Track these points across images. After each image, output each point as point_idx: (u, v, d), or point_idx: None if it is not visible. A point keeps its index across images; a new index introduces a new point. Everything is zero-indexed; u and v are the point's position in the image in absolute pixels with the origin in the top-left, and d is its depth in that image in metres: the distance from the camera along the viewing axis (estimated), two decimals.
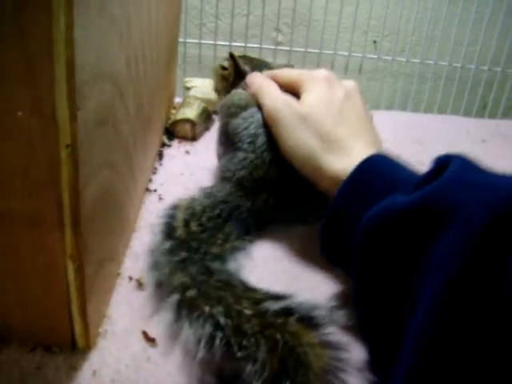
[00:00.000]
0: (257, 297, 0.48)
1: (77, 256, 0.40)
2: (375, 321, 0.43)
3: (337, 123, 0.56)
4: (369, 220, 0.43)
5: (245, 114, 0.64)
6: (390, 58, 1.23)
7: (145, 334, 0.48)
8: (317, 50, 1.22)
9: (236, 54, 0.76)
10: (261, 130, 0.61)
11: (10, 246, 0.40)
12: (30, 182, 0.36)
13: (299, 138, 0.56)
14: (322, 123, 0.56)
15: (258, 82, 0.65)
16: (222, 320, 0.45)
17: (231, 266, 0.55)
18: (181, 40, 1.12)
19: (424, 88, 1.27)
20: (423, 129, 0.99)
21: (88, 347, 0.46)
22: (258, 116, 0.62)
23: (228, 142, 0.66)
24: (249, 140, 0.61)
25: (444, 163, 0.42)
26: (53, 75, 0.33)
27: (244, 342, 0.43)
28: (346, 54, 1.23)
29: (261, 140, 0.61)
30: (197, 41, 1.21)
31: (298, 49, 1.22)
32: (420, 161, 0.86)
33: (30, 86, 0.33)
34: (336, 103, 0.57)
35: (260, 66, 0.75)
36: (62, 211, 0.38)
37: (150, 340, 0.48)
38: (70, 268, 0.40)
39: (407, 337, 0.37)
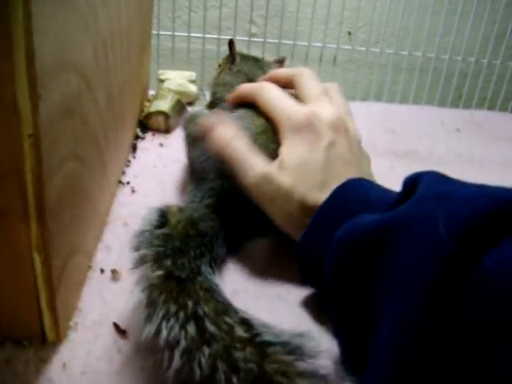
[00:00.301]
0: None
1: (43, 248, 0.39)
2: (348, 333, 0.43)
3: (322, 185, 0.53)
4: (337, 238, 0.44)
5: (200, 150, 0.62)
6: (364, 48, 1.23)
7: (116, 325, 0.48)
8: (291, 42, 1.22)
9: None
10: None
11: None
12: None
13: (285, 212, 0.54)
14: (308, 194, 0.53)
15: (232, 146, 0.57)
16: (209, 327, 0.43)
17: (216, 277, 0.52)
18: (154, 32, 1.11)
19: (399, 79, 1.28)
20: (398, 119, 1.00)
21: (58, 340, 0.46)
22: None
23: (192, 167, 0.65)
24: (211, 171, 0.60)
25: (414, 182, 0.42)
26: (12, 65, 0.32)
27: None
28: (320, 45, 1.24)
29: (222, 170, 0.58)
30: (170, 33, 1.20)
31: (272, 40, 1.22)
32: (394, 150, 0.88)
33: None
34: (320, 162, 0.54)
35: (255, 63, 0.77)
36: (26, 203, 0.37)
37: (121, 332, 0.48)
38: (37, 260, 0.40)
39: (377, 344, 0.38)
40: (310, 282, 0.53)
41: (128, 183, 0.71)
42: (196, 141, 0.63)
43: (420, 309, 0.35)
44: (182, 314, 0.44)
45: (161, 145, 0.83)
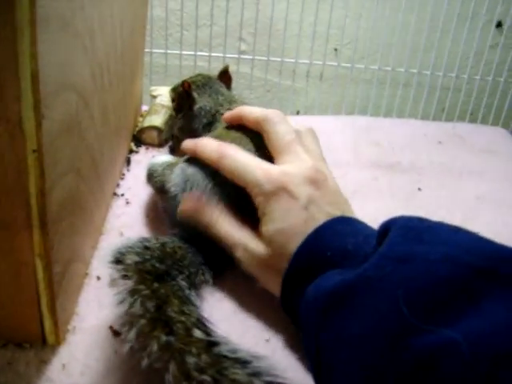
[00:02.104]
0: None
1: (45, 255, 0.42)
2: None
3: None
4: (305, 298, 0.45)
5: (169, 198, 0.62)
6: (349, 65, 1.26)
7: (112, 329, 0.51)
8: (279, 59, 1.26)
9: (189, 78, 0.77)
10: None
11: None
12: None
13: (269, 280, 0.53)
14: (284, 260, 0.49)
15: (217, 226, 0.57)
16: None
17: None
18: (147, 50, 1.14)
19: (383, 93, 1.30)
20: (382, 132, 1.02)
21: (58, 343, 0.49)
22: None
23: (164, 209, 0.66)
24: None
25: (385, 231, 0.42)
26: (18, 87, 0.36)
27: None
28: (307, 61, 1.26)
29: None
30: (163, 51, 1.23)
31: (261, 57, 1.25)
32: (377, 162, 0.91)
33: None
34: (299, 225, 0.50)
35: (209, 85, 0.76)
36: (30, 213, 0.40)
37: (117, 334, 0.50)
38: (39, 266, 0.43)
39: None
40: (292, 320, 0.51)
41: (122, 195, 0.74)
42: (161, 192, 0.64)
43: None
44: (147, 292, 0.47)
45: None
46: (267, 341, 0.52)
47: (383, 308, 0.36)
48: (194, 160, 0.61)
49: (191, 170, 0.60)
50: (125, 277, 0.48)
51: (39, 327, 0.47)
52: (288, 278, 0.49)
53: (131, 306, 0.45)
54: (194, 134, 0.71)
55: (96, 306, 0.54)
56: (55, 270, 0.44)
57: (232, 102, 0.73)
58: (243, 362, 0.42)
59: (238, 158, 0.55)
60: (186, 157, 0.64)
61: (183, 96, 0.75)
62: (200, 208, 0.57)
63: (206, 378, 0.40)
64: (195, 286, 0.55)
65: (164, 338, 0.43)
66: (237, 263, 0.55)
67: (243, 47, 1.35)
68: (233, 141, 0.60)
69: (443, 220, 0.72)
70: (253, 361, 0.42)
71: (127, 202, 0.72)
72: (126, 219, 0.69)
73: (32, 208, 0.40)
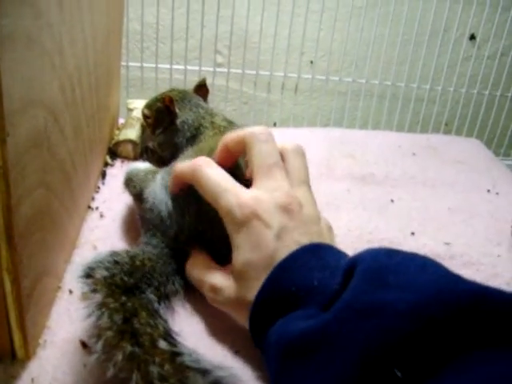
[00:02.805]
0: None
1: (13, 269, 0.42)
2: None
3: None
4: (268, 342, 0.44)
5: (146, 204, 0.63)
6: (324, 77, 1.28)
7: (82, 342, 0.51)
8: (254, 72, 1.27)
9: (169, 93, 0.77)
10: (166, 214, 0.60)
11: None
12: None
13: (237, 318, 0.53)
14: (251, 296, 0.48)
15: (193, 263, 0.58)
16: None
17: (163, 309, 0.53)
18: (123, 63, 1.15)
19: (358, 105, 1.32)
20: (356, 143, 1.04)
21: (27, 357, 0.48)
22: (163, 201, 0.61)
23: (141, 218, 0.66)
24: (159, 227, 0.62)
25: (351, 270, 0.42)
26: None
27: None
28: (282, 74, 1.28)
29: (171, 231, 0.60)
30: (139, 64, 1.24)
31: (236, 70, 1.26)
32: (351, 174, 0.92)
33: None
34: (267, 257, 0.48)
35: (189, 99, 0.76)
36: None
37: (87, 348, 0.50)
38: (7, 281, 0.43)
39: None
40: (259, 347, 0.50)
41: (97, 208, 0.74)
42: (139, 199, 0.65)
43: None
44: (114, 305, 0.47)
45: None
46: (237, 352, 0.53)
47: (343, 370, 0.35)
48: (170, 172, 0.61)
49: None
50: (94, 291, 0.48)
51: (8, 342, 0.47)
52: (255, 315, 0.47)
53: (99, 318, 0.46)
54: (176, 148, 0.72)
55: (67, 320, 0.54)
56: (24, 284, 0.44)
57: (213, 115, 0.73)
58: (204, 371, 0.43)
59: (212, 178, 0.53)
60: (167, 167, 0.64)
61: (162, 111, 0.75)
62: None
63: None
64: (166, 296, 0.55)
65: (129, 348, 0.44)
66: (208, 301, 0.55)
67: (219, 60, 1.36)
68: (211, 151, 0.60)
69: (415, 232, 0.74)
70: (214, 370, 0.43)
71: (101, 216, 0.73)
72: (99, 233, 0.69)
73: None
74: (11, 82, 0.37)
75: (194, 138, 0.71)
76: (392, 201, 0.85)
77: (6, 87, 0.36)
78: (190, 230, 0.59)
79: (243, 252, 0.50)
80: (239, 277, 0.50)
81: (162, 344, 0.45)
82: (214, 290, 0.53)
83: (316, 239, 0.50)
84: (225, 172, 0.54)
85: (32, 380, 0.47)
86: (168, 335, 0.47)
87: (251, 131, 0.55)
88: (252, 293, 0.48)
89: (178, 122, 0.73)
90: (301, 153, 0.58)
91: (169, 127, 0.74)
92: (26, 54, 0.41)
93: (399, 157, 1.01)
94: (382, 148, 1.04)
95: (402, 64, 1.27)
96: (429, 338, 0.34)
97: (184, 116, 0.73)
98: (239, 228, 0.50)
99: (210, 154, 0.59)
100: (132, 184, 0.66)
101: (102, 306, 0.47)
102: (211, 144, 0.64)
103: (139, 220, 0.67)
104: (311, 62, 1.41)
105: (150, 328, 0.47)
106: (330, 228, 0.56)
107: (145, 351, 0.44)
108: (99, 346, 0.44)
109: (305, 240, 0.49)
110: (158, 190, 0.62)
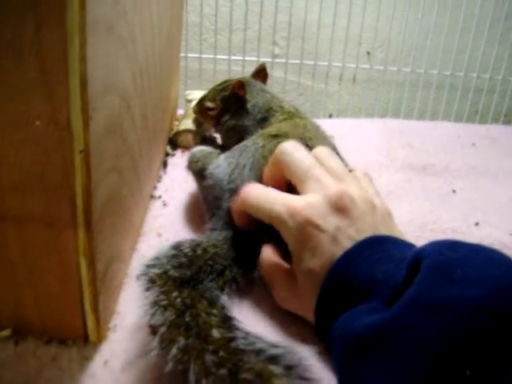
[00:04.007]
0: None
1: (89, 253, 0.43)
2: None
3: None
4: (334, 337, 0.44)
5: (209, 181, 0.64)
6: (382, 67, 1.26)
7: (151, 327, 0.52)
8: (312, 62, 1.26)
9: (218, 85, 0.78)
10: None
11: (27, 246, 0.43)
12: (46, 185, 0.40)
13: (302, 314, 0.53)
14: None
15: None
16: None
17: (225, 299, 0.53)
18: (182, 55, 1.15)
19: (416, 96, 1.30)
20: (414, 134, 1.02)
21: (99, 340, 0.49)
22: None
23: (204, 199, 0.67)
24: (222, 207, 0.62)
25: (416, 263, 0.41)
26: (67, 89, 0.37)
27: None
28: (340, 64, 1.27)
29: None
30: (197, 55, 1.25)
31: (294, 61, 1.26)
32: (411, 164, 0.91)
33: (47, 99, 0.37)
34: (328, 263, 0.47)
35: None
36: (75, 212, 0.42)
37: (155, 333, 0.51)
38: (83, 265, 0.44)
39: None
40: (322, 338, 0.49)
41: (160, 197, 0.75)
42: (202, 178, 0.66)
43: None
44: (165, 302, 0.48)
45: None
46: (303, 340, 0.52)
47: (412, 367, 0.35)
48: (239, 152, 0.63)
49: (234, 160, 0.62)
50: (147, 289, 0.49)
51: (82, 325, 0.48)
52: (318, 310, 0.47)
53: (152, 316, 0.47)
54: (246, 132, 0.72)
55: (135, 305, 0.55)
56: (98, 268, 0.45)
57: (280, 100, 0.74)
58: (259, 351, 0.43)
59: (260, 195, 0.54)
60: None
61: (229, 99, 0.75)
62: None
63: (223, 371, 0.41)
64: (233, 279, 0.56)
65: (183, 341, 0.44)
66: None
67: (277, 51, 1.36)
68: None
69: (479, 222, 0.72)
70: (269, 349, 0.43)
71: (164, 204, 0.74)
72: (163, 221, 0.70)
73: (77, 207, 0.41)
74: (95, 67, 0.38)
75: (264, 120, 0.72)
76: (454, 191, 0.84)
77: (90, 72, 0.37)
78: None
79: (303, 261, 0.49)
80: (303, 282, 0.50)
81: (217, 332, 0.45)
82: (282, 298, 0.54)
83: (371, 231, 0.48)
84: (272, 188, 0.55)
85: (105, 362, 0.48)
86: (225, 322, 0.47)
87: (277, 152, 0.55)
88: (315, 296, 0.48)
89: (249, 105, 0.73)
90: (331, 152, 0.57)
91: (237, 112, 0.75)
92: (105, 41, 0.42)
93: (459, 147, 1.00)
94: (441, 138, 1.03)
95: (462, 53, 1.24)
96: (498, 334, 0.33)
97: (254, 100, 0.74)
98: (295, 237, 0.50)
99: (285, 138, 0.60)
100: (195, 160, 0.67)
101: (154, 304, 0.48)
102: (283, 127, 0.65)
103: (203, 205, 0.67)
104: (368, 53, 1.40)
105: (207, 317, 0.47)
106: (388, 214, 0.54)
107: (200, 341, 0.44)
108: (155, 342, 0.45)
109: (360, 236, 0.47)
110: (222, 163, 0.63)
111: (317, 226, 0.48)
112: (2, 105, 0.38)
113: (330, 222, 0.48)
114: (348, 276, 0.44)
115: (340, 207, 0.49)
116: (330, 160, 0.55)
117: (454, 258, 0.39)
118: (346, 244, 0.47)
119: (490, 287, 0.35)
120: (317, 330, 0.49)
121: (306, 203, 0.50)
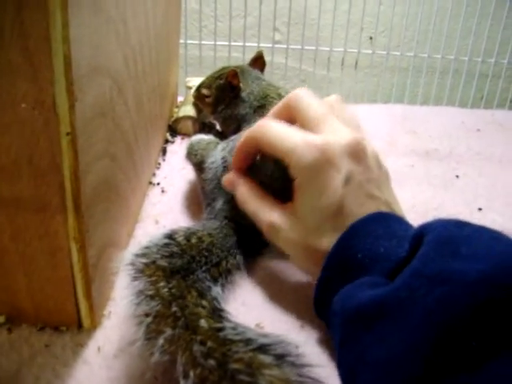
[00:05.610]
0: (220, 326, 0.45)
1: (79, 238, 0.43)
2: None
3: (335, 228, 0.48)
4: (333, 310, 0.44)
5: (207, 175, 0.64)
6: (385, 52, 1.25)
7: (146, 315, 0.51)
8: (313, 47, 1.25)
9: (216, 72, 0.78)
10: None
11: (17, 231, 0.43)
12: (34, 168, 0.40)
13: (299, 260, 0.53)
14: (318, 243, 0.48)
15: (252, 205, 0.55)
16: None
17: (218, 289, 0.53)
18: (182, 41, 1.15)
19: (419, 81, 1.29)
20: (418, 120, 1.02)
21: (93, 327, 0.49)
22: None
23: (203, 189, 0.66)
24: (219, 195, 0.62)
25: (419, 237, 0.41)
26: (51, 70, 0.36)
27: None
28: (342, 49, 1.26)
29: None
30: (197, 42, 1.24)
31: (295, 46, 1.24)
32: (414, 150, 0.90)
33: (32, 80, 0.36)
34: (334, 205, 0.48)
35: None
36: (64, 197, 0.41)
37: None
38: (74, 250, 0.43)
39: None
40: (321, 317, 0.50)
41: (158, 184, 0.75)
42: (200, 168, 0.66)
43: None
44: (151, 292, 0.47)
45: None
46: (301, 327, 0.52)
47: (415, 336, 0.35)
48: (233, 143, 0.61)
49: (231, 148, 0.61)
50: (134, 279, 0.48)
51: (75, 311, 0.48)
52: (321, 282, 0.47)
53: (138, 306, 0.46)
54: (243, 120, 0.71)
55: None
56: (90, 253, 0.45)
57: (277, 87, 0.73)
58: (248, 340, 0.42)
59: (276, 127, 0.53)
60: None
61: (224, 87, 0.74)
62: (232, 184, 0.57)
63: (211, 362, 0.41)
64: (228, 270, 0.55)
65: (170, 331, 0.43)
66: (265, 235, 0.54)
67: (277, 37, 1.35)
68: None
69: (482, 208, 0.71)
70: (258, 338, 0.42)
71: (163, 191, 0.73)
72: (161, 207, 0.69)
73: (66, 191, 0.41)
74: (79, 48, 0.37)
75: (261, 108, 0.70)
76: (457, 176, 0.83)
77: (74, 52, 0.36)
78: None
79: (310, 197, 0.49)
80: (304, 220, 0.50)
81: (205, 322, 0.44)
82: (272, 227, 0.52)
83: (375, 186, 0.49)
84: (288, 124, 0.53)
85: (98, 349, 0.48)
86: (214, 313, 0.46)
87: (293, 93, 0.54)
88: (319, 240, 0.48)
89: (244, 94, 0.72)
90: (344, 103, 0.56)
91: (232, 101, 0.74)
92: (92, 21, 0.41)
93: (463, 133, 0.99)
94: (444, 124, 1.02)
95: (466, 37, 1.23)
96: (503, 306, 0.33)
97: (249, 88, 0.73)
98: (308, 169, 0.49)
99: None
100: (194, 153, 0.67)
101: (140, 293, 0.47)
102: None
103: (201, 194, 0.67)
104: (370, 38, 1.38)
105: (196, 308, 0.46)
106: (389, 176, 0.54)
107: (187, 332, 0.43)
108: (140, 332, 0.44)
109: (370, 188, 0.48)
110: (218, 157, 0.62)
111: (333, 164, 0.48)
112: None
113: (345, 164, 0.48)
114: (352, 249, 0.45)
115: (356, 154, 0.49)
116: (342, 110, 0.55)
117: (460, 236, 0.39)
118: (355, 190, 0.48)
119: (495, 261, 0.35)
120: (315, 304, 0.49)
121: (325, 141, 0.49)
